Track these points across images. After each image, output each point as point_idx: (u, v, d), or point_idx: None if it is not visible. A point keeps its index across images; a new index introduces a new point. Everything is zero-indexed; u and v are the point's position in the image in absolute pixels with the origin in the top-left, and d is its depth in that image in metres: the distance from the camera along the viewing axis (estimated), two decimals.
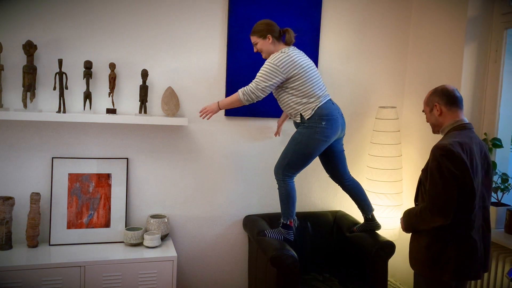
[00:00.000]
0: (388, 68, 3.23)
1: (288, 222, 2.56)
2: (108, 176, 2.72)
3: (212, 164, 2.93)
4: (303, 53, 2.55)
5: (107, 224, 2.70)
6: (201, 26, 2.80)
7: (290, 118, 2.68)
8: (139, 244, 2.66)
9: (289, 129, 2.91)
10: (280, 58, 2.41)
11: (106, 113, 2.60)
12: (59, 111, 2.50)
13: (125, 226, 2.73)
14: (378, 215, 3.00)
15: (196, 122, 2.83)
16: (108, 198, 2.71)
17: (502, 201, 2.66)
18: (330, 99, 2.54)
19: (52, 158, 2.63)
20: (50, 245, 2.59)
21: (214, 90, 2.86)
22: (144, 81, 2.67)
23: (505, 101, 2.71)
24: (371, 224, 2.75)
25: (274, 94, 2.60)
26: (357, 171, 3.22)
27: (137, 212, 2.82)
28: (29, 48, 2.45)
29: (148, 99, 2.72)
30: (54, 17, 2.56)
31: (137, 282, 2.49)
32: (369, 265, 2.62)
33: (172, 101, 2.69)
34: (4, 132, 2.56)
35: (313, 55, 3.00)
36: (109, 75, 2.61)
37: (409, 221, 2.06)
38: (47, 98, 2.59)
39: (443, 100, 2.04)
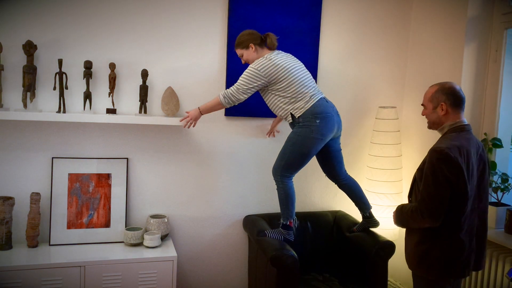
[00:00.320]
0: (388, 68, 3.23)
1: (288, 223, 2.56)
2: (108, 176, 2.72)
3: (212, 164, 2.93)
4: (289, 55, 2.57)
5: (107, 224, 2.70)
6: (201, 26, 2.80)
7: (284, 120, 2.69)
8: (139, 244, 2.66)
9: (287, 129, 2.91)
10: (261, 63, 2.45)
11: (106, 113, 2.60)
12: (59, 111, 2.50)
13: (125, 226, 2.73)
14: (378, 215, 3.00)
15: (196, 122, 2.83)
16: (108, 198, 2.71)
17: (502, 201, 2.66)
18: (323, 97, 2.54)
19: (52, 158, 2.63)
20: (50, 245, 2.59)
21: (214, 90, 2.86)
22: (144, 81, 2.67)
23: (505, 101, 2.71)
24: (369, 221, 2.75)
25: (263, 98, 2.61)
26: (357, 171, 3.22)
27: (137, 212, 2.82)
28: (29, 48, 2.45)
29: (148, 99, 2.72)
30: (54, 17, 2.56)
31: (137, 282, 2.49)
32: (369, 265, 2.62)
33: (172, 101, 2.69)
34: (4, 132, 2.56)
35: (313, 55, 3.00)
36: (109, 75, 2.61)
37: (401, 217, 2.09)
38: (47, 98, 2.59)
39: (450, 100, 2.01)
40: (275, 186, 2.62)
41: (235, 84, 2.49)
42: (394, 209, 2.19)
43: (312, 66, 3.00)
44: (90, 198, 2.68)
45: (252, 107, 2.89)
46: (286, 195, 2.53)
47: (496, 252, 2.50)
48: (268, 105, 2.60)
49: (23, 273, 2.31)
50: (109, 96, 2.63)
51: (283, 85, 2.47)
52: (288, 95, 2.48)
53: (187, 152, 2.88)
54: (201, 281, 3.00)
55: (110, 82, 2.61)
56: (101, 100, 2.68)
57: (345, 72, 3.13)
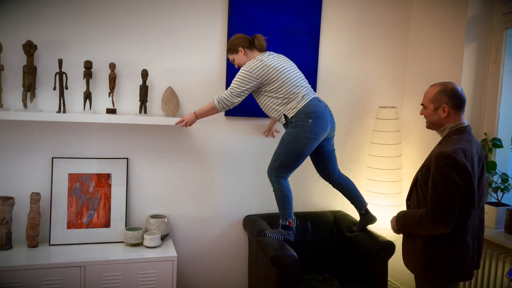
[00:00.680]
0: (388, 68, 3.23)
1: (287, 223, 2.56)
2: (108, 176, 2.72)
3: (212, 164, 2.94)
4: (281, 56, 2.57)
5: (107, 224, 2.70)
6: (201, 26, 2.80)
7: (278, 121, 2.68)
8: (139, 244, 2.66)
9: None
10: (253, 65, 2.46)
11: (106, 113, 2.60)
12: (59, 111, 2.50)
13: (125, 226, 2.73)
14: (378, 215, 3.00)
15: (196, 122, 2.83)
16: (108, 198, 2.71)
17: (502, 201, 2.66)
18: (315, 97, 2.54)
19: (52, 158, 2.63)
20: (50, 245, 2.59)
21: (214, 90, 2.87)
22: (144, 81, 2.67)
23: (505, 101, 2.71)
24: (366, 218, 2.75)
25: (256, 100, 2.62)
26: (357, 171, 3.23)
27: (137, 212, 2.82)
28: (29, 48, 2.45)
29: (148, 99, 2.72)
30: (54, 17, 2.56)
31: (137, 282, 2.49)
32: (369, 265, 2.62)
33: (172, 101, 2.69)
34: (4, 132, 2.56)
35: (313, 55, 3.00)
36: (109, 75, 2.61)
37: (404, 225, 2.04)
38: (47, 98, 2.59)
39: (453, 102, 1.98)
40: None
41: (228, 88, 2.50)
42: (392, 217, 2.15)
43: (312, 66, 3.00)
44: (90, 198, 2.68)
45: (252, 107, 2.89)
46: (282, 196, 2.53)
47: (496, 252, 2.50)
48: (261, 107, 2.60)
49: (23, 273, 2.31)
50: (109, 96, 2.63)
51: (275, 86, 2.47)
52: (281, 96, 2.48)
53: (187, 152, 2.88)
54: (201, 281, 3.00)
55: (110, 82, 2.61)
56: (101, 100, 2.68)
57: (345, 72, 3.13)
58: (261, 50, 2.57)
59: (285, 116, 2.50)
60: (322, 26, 3.03)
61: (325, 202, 3.19)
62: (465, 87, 2.74)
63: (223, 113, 2.89)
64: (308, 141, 2.46)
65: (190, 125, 2.60)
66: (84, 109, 2.60)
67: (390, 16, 3.18)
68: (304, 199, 3.13)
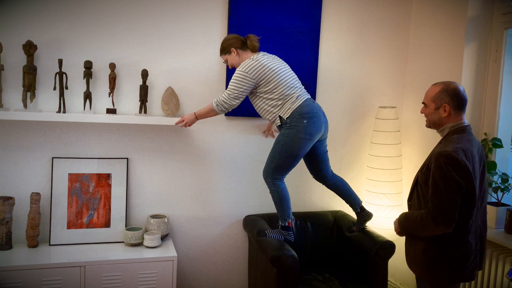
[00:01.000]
0: (388, 68, 3.23)
1: (287, 224, 2.56)
2: (108, 176, 2.72)
3: (212, 164, 2.94)
4: (275, 57, 2.56)
5: (107, 224, 2.70)
6: (201, 26, 2.80)
7: (273, 123, 2.67)
8: (139, 244, 2.66)
9: None
10: (248, 64, 2.45)
11: (106, 113, 2.60)
12: (59, 111, 2.50)
13: (125, 226, 2.73)
14: (378, 215, 3.01)
15: (196, 122, 2.83)
16: (108, 198, 2.71)
17: (502, 201, 2.66)
18: (309, 98, 2.53)
19: (52, 158, 2.63)
20: (50, 245, 2.59)
21: (214, 90, 2.87)
22: (144, 81, 2.67)
23: (505, 101, 2.71)
24: (363, 215, 2.75)
25: (251, 102, 2.61)
26: (357, 171, 3.23)
27: (137, 212, 2.82)
28: (29, 48, 2.45)
29: (148, 99, 2.72)
30: (54, 17, 2.56)
31: (137, 282, 2.49)
32: (369, 265, 2.62)
33: (172, 101, 2.69)
34: (4, 132, 2.56)
35: (313, 55, 3.00)
36: (109, 75, 2.61)
37: (406, 226, 2.04)
38: (47, 98, 2.59)
39: (454, 102, 1.98)
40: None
41: (225, 90, 2.48)
42: (395, 220, 2.15)
43: (312, 66, 3.01)
44: (90, 198, 2.68)
45: (252, 107, 2.88)
46: (279, 197, 2.53)
47: (496, 252, 2.50)
48: (256, 109, 2.59)
49: (23, 273, 2.31)
50: (109, 96, 2.63)
51: (269, 86, 2.46)
52: (275, 97, 2.47)
53: (187, 152, 2.88)
54: (201, 281, 3.00)
55: (110, 82, 2.61)
56: (101, 100, 2.68)
57: (345, 72, 3.13)
58: (254, 50, 2.56)
59: (280, 118, 2.50)
60: (322, 26, 3.03)
61: (325, 202, 3.19)
62: (465, 87, 2.74)
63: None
64: (302, 141, 2.45)
65: (189, 125, 2.59)
66: (84, 109, 2.60)
67: (390, 16, 3.18)
68: (304, 199, 3.13)
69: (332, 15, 3.05)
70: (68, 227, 2.64)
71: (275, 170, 2.50)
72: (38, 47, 2.50)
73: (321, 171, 2.71)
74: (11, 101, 2.53)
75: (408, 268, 2.11)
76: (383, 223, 2.99)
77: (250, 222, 2.87)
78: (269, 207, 3.04)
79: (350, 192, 2.76)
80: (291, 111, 2.45)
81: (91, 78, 2.59)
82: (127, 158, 2.76)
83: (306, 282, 2.63)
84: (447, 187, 1.85)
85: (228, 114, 2.90)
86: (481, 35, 2.75)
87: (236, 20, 2.82)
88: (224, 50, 2.57)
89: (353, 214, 3.14)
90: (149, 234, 2.64)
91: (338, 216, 3.06)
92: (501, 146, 2.67)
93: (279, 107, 2.48)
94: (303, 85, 2.79)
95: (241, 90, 2.45)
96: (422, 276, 2.03)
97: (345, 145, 3.19)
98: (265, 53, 2.58)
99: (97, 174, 2.70)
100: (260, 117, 2.93)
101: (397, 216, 2.14)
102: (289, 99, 2.47)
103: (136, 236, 2.63)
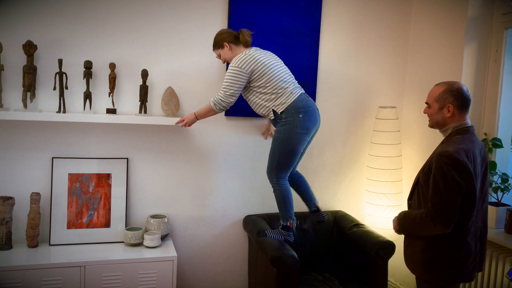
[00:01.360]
0: (388, 68, 3.23)
1: (288, 224, 2.56)
2: (108, 176, 2.72)
3: (212, 164, 2.93)
4: (268, 52, 2.56)
5: (107, 224, 2.70)
6: (201, 26, 2.80)
7: (267, 118, 2.65)
8: (139, 244, 2.66)
9: None
10: (241, 59, 2.45)
11: (106, 113, 2.60)
12: (59, 111, 2.50)
13: (125, 226, 2.73)
14: (378, 215, 3.01)
15: (196, 122, 2.83)
16: (108, 198, 2.71)
17: (502, 201, 2.66)
18: (304, 93, 2.53)
19: (52, 158, 2.63)
20: (50, 245, 2.59)
21: (214, 90, 2.86)
22: (144, 81, 2.67)
23: (505, 101, 2.71)
24: (318, 215, 2.72)
25: (244, 97, 2.60)
26: (357, 171, 3.23)
27: (137, 212, 2.82)
28: (29, 48, 2.45)
29: (148, 99, 2.72)
30: (54, 17, 2.56)
31: (137, 282, 2.49)
32: (369, 265, 2.62)
33: (172, 101, 2.69)
34: (4, 132, 2.56)
35: (313, 55, 3.00)
36: (109, 75, 2.61)
37: (405, 225, 2.04)
38: (47, 98, 2.59)
39: (458, 102, 1.97)
40: None
41: (221, 88, 2.48)
42: (394, 217, 2.15)
43: (312, 66, 3.01)
44: (90, 198, 2.68)
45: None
46: (282, 197, 2.53)
47: (496, 252, 2.50)
48: (250, 104, 2.59)
49: (23, 273, 2.31)
50: (109, 96, 2.63)
51: (262, 81, 2.46)
52: (269, 91, 2.47)
53: (187, 152, 2.88)
54: (201, 281, 3.00)
55: (110, 82, 2.61)
56: (101, 100, 2.68)
57: (345, 72, 3.13)
58: (247, 45, 2.55)
59: (274, 112, 2.49)
60: (322, 26, 3.03)
61: (325, 202, 3.19)
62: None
63: (223, 113, 2.89)
64: (300, 136, 2.45)
65: (189, 125, 2.59)
66: (84, 109, 2.60)
67: (390, 16, 3.18)
68: None
69: (332, 15, 3.05)
70: (68, 227, 2.64)
71: (278, 169, 2.50)
72: (38, 47, 2.50)
73: (293, 169, 2.67)
74: (11, 101, 2.53)
75: (408, 268, 2.12)
76: (383, 223, 2.99)
77: (250, 222, 2.87)
78: (269, 207, 3.04)
79: (308, 189, 2.72)
80: (285, 106, 2.45)
81: (91, 78, 2.58)
82: (127, 158, 2.76)
83: (306, 282, 2.63)
84: (447, 187, 1.85)
85: (228, 114, 2.90)
86: (481, 35, 2.75)
87: (236, 20, 2.82)
88: (217, 44, 2.56)
89: (353, 214, 3.15)
90: (149, 234, 2.64)
91: (338, 216, 3.06)
92: (501, 146, 2.67)
93: (273, 101, 2.47)
94: (303, 85, 2.80)
95: (236, 86, 2.45)
96: (421, 276, 2.03)
97: (345, 145, 3.19)
98: (258, 48, 2.57)
99: (97, 174, 2.70)
100: (260, 117, 2.95)
101: (397, 214, 2.14)
102: (282, 94, 2.46)
103: (136, 236, 2.63)
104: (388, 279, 2.96)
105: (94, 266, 2.41)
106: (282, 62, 2.59)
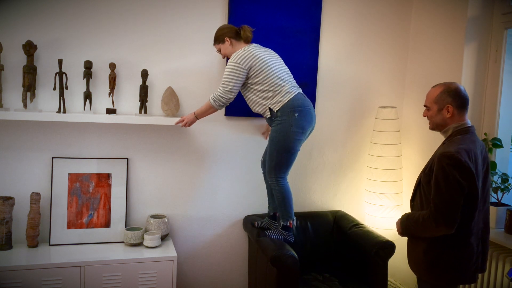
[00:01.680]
0: (388, 68, 3.23)
1: (288, 224, 2.56)
2: (108, 176, 2.72)
3: (212, 164, 2.93)
4: (268, 49, 2.56)
5: (107, 224, 2.70)
6: (201, 26, 2.80)
7: (263, 116, 2.65)
8: (139, 244, 2.66)
9: None
10: (239, 55, 2.45)
11: (106, 113, 2.60)
12: (59, 111, 2.50)
13: (125, 226, 2.73)
14: (378, 215, 3.01)
15: (196, 122, 2.83)
16: (108, 198, 2.71)
17: (502, 201, 2.66)
18: (301, 92, 2.53)
19: (52, 158, 2.63)
20: (50, 245, 2.59)
21: (214, 90, 2.86)
22: (144, 81, 2.67)
23: (505, 101, 2.71)
24: (271, 223, 2.71)
25: (242, 95, 2.60)
26: (357, 171, 3.23)
27: (137, 212, 2.82)
28: (29, 48, 2.45)
29: (148, 99, 2.72)
30: (54, 17, 2.56)
31: (137, 282, 2.49)
32: (369, 265, 2.62)
33: (172, 101, 2.69)
34: (4, 132, 2.56)
35: (313, 55, 3.00)
36: (109, 75, 2.61)
37: (408, 227, 2.03)
38: (47, 98, 2.59)
39: (457, 102, 1.97)
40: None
41: (220, 85, 2.48)
42: (397, 220, 2.14)
43: (312, 66, 3.01)
44: (90, 198, 2.68)
45: None
46: (283, 197, 2.53)
47: (496, 252, 2.50)
48: (247, 102, 2.59)
49: (23, 273, 2.31)
50: (109, 96, 2.63)
51: (260, 77, 2.46)
52: (266, 88, 2.47)
53: (187, 152, 2.88)
54: (201, 281, 3.00)
55: (110, 82, 2.61)
56: (101, 100, 2.68)
57: (345, 72, 3.13)
58: (247, 41, 2.56)
59: (270, 110, 2.49)
60: (322, 26, 3.03)
61: (325, 202, 3.19)
62: (465, 87, 2.71)
63: (223, 112, 2.89)
64: (295, 135, 2.45)
65: (190, 125, 2.59)
66: (84, 109, 2.60)
67: (390, 16, 3.18)
68: (304, 199, 3.13)
69: (332, 15, 3.05)
70: (68, 227, 2.64)
71: (277, 168, 2.50)
72: (38, 47, 2.50)
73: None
74: (11, 101, 2.53)
75: (409, 268, 2.11)
76: (383, 223, 2.99)
77: (250, 222, 2.86)
78: None
79: None
80: (282, 104, 2.45)
81: (91, 78, 2.59)
82: (127, 158, 2.76)
83: (306, 282, 2.63)
84: (449, 188, 1.84)
85: (228, 114, 2.90)
86: (481, 35, 2.75)
87: (236, 20, 2.81)
88: (218, 39, 2.56)
89: (353, 214, 3.15)
90: (149, 234, 2.64)
91: (338, 216, 3.06)
92: (501, 146, 2.67)
93: (270, 99, 2.47)
94: (303, 84, 2.80)
95: (234, 82, 2.45)
96: (423, 277, 2.02)
97: (345, 145, 3.19)
98: (258, 44, 2.58)
99: (97, 174, 2.70)
100: (260, 116, 2.95)
101: (399, 217, 2.14)
102: (279, 92, 2.46)
103: (136, 236, 2.63)
104: (388, 279, 2.96)
105: (94, 266, 2.41)
106: (282, 60, 2.59)
